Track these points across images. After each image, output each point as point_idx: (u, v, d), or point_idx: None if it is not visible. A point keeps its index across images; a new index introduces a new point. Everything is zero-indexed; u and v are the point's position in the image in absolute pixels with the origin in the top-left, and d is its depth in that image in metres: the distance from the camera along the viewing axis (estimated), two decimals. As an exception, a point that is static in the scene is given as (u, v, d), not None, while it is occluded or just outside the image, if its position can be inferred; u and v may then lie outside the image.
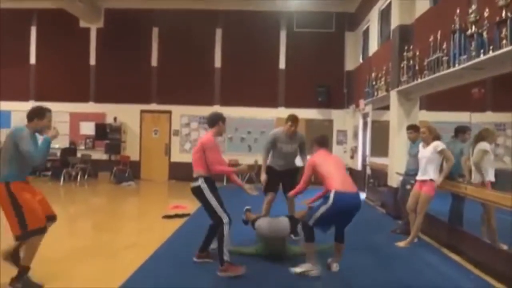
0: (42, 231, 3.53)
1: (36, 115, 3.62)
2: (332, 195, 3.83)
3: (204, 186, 4.12)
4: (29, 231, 3.45)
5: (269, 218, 4.89)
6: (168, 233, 5.72)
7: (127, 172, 12.07)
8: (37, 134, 3.65)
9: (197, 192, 4.19)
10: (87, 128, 12.60)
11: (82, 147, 12.56)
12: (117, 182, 11.48)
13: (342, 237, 4.22)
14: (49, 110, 3.70)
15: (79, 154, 12.26)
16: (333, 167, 4.11)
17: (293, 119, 5.40)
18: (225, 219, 4.02)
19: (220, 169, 4.20)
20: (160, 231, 5.94)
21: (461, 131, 5.69)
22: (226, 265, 3.95)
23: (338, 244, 4.25)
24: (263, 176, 5.39)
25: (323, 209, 3.87)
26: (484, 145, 5.05)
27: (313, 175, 4.22)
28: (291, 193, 4.59)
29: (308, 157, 5.06)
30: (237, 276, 3.92)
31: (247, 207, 5.40)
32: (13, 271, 3.54)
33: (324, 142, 4.45)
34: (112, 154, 12.41)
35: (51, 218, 3.72)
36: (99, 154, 12.43)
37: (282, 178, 5.52)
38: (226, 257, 3.94)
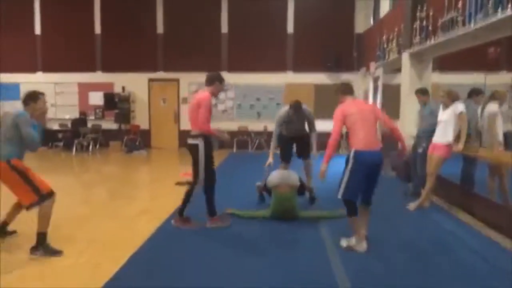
0: (53, 194, 3.72)
1: (31, 99, 3.81)
2: (352, 154, 3.71)
3: (201, 146, 4.26)
4: (44, 194, 3.63)
5: (280, 171, 5.16)
6: (180, 199, 5.81)
7: (138, 141, 12.17)
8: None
9: (194, 149, 4.31)
10: (96, 98, 12.62)
11: (92, 117, 12.62)
12: (128, 151, 11.61)
13: (369, 199, 3.98)
14: (42, 93, 3.92)
15: (89, 124, 12.34)
16: (359, 121, 3.75)
17: (296, 107, 5.41)
18: (201, 176, 4.28)
19: (206, 128, 4.27)
20: (173, 197, 6.02)
21: (474, 93, 5.59)
22: (180, 218, 4.47)
23: (365, 206, 3.96)
24: (270, 159, 5.39)
25: (346, 173, 3.72)
26: (493, 106, 4.96)
27: (343, 126, 3.85)
28: (324, 162, 3.85)
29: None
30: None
31: (257, 183, 5.49)
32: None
33: (348, 89, 4.00)
34: (122, 123, 12.47)
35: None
36: (109, 124, 12.50)
37: (295, 142, 5.73)
38: (185, 211, 4.46)
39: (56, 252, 3.67)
